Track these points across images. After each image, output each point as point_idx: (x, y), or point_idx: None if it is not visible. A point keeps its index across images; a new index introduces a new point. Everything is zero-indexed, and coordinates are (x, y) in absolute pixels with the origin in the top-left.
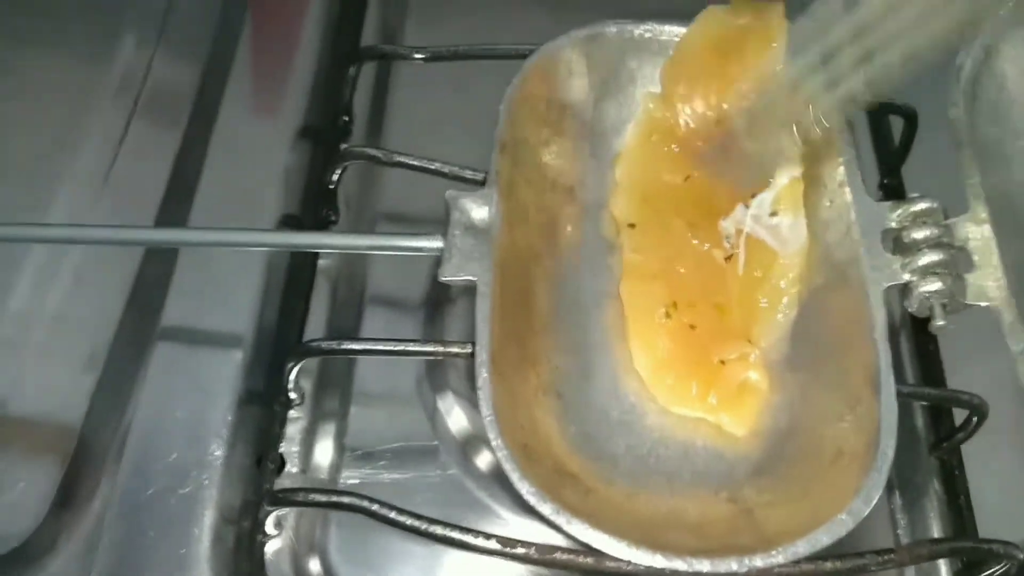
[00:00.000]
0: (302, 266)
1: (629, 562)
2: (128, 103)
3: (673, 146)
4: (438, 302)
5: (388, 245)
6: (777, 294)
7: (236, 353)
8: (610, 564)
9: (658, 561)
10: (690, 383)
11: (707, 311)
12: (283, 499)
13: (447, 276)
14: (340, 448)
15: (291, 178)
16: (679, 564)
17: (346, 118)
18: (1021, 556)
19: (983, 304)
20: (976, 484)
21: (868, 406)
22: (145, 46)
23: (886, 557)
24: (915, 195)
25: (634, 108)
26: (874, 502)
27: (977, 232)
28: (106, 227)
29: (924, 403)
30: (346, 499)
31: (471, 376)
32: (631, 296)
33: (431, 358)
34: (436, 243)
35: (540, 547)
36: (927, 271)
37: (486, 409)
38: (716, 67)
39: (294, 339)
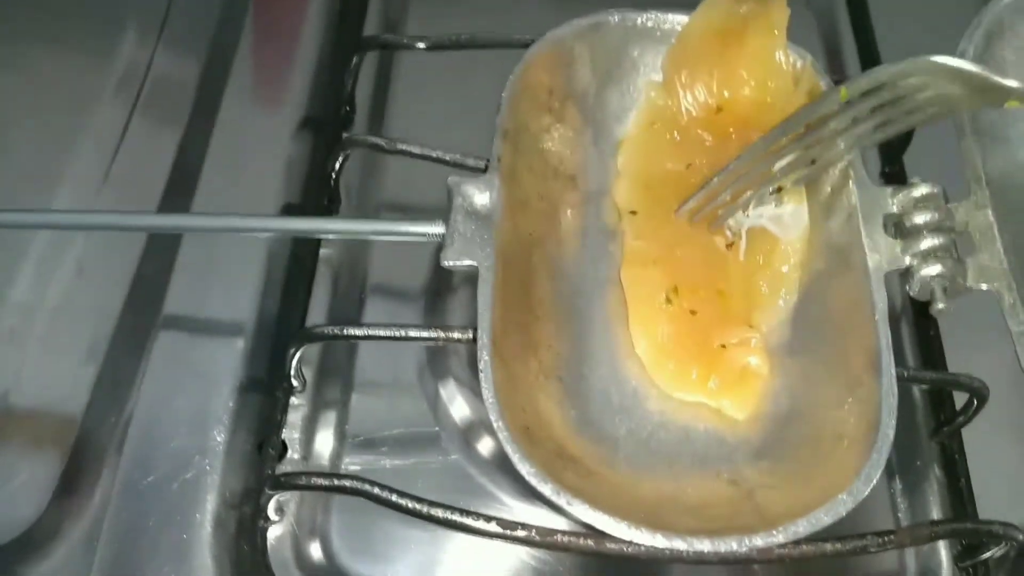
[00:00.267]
0: (304, 254)
1: (630, 543)
2: (130, 96)
3: (675, 134)
4: (439, 291)
5: (390, 230)
6: (778, 279)
7: (238, 341)
8: (611, 546)
9: (658, 541)
10: (691, 368)
11: (708, 296)
12: (285, 483)
13: (449, 261)
14: (341, 435)
15: (293, 168)
16: (679, 544)
17: (348, 108)
18: (1021, 537)
19: (984, 287)
20: (976, 468)
21: (869, 389)
22: (147, 39)
23: (886, 539)
24: (916, 180)
25: (636, 96)
26: (874, 482)
27: (978, 216)
28: (109, 212)
29: (924, 386)
30: (348, 483)
31: (473, 363)
32: (632, 282)
33: (433, 344)
34: (438, 228)
35: (541, 530)
36: (928, 255)
37: (488, 392)
38: (718, 55)
39: (296, 326)
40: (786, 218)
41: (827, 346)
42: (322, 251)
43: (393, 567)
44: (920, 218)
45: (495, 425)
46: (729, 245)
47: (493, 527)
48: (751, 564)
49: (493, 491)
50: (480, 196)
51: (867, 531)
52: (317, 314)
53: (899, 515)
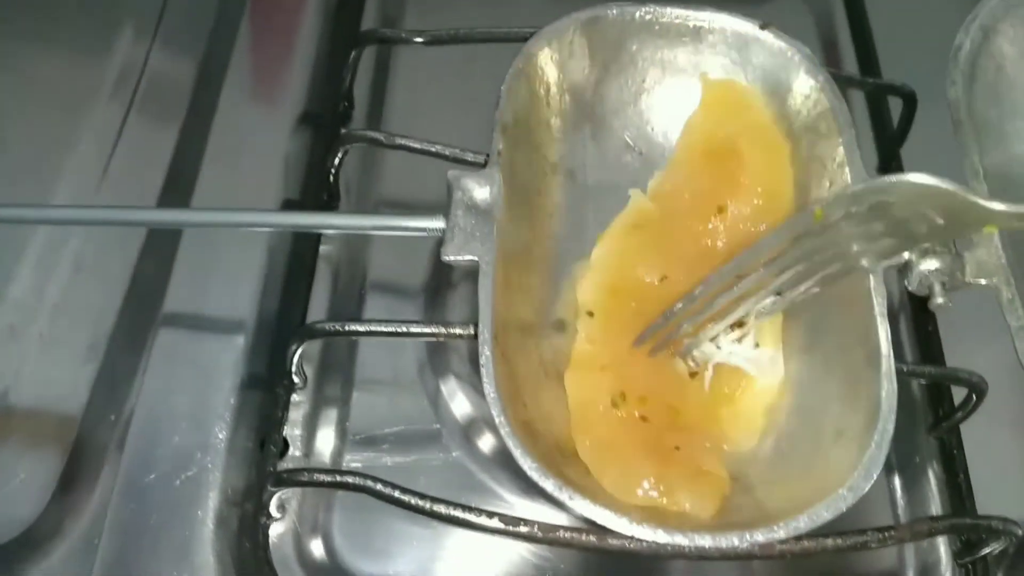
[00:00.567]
0: (304, 251)
1: (632, 538)
2: (127, 94)
3: (658, 241)
4: (439, 287)
5: (390, 225)
6: (748, 419)
7: (238, 337)
8: (613, 541)
9: (660, 536)
10: (640, 471)
11: (659, 408)
12: (287, 479)
13: (450, 256)
14: (343, 432)
15: (291, 164)
16: (681, 539)
17: (346, 103)
18: (1020, 532)
19: (982, 281)
20: (975, 463)
21: (868, 385)
22: (143, 36)
23: (886, 534)
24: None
25: (635, 90)
26: (874, 477)
27: None
28: (108, 208)
29: (923, 381)
30: (350, 479)
31: (473, 359)
32: (575, 387)
33: (434, 340)
34: (438, 223)
35: (543, 525)
36: (926, 250)
37: (489, 387)
38: (707, 174)
39: (296, 323)
40: (765, 362)
41: (826, 342)
42: (322, 247)
43: (395, 564)
44: None
45: (497, 420)
46: (693, 374)
47: (495, 523)
48: (752, 559)
49: (494, 488)
50: (480, 190)
51: (867, 527)
52: (317, 311)
53: (898, 511)
